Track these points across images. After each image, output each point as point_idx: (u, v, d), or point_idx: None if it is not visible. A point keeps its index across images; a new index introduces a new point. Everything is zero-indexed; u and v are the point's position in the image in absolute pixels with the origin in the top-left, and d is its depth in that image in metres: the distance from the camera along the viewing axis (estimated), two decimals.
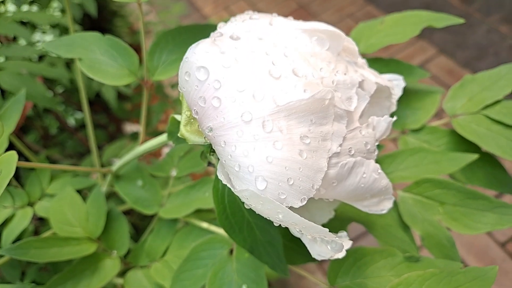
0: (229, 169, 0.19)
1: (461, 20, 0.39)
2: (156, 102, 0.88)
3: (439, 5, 1.49)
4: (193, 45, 0.19)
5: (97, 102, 1.02)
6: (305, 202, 0.18)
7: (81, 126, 1.03)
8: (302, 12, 1.70)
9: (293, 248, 0.30)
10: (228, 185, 0.19)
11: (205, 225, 0.35)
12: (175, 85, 0.86)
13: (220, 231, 0.35)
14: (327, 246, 0.20)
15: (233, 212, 0.27)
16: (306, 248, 0.32)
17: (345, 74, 0.21)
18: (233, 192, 0.27)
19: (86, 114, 0.38)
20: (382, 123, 0.22)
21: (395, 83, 0.25)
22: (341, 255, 0.21)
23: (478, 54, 1.29)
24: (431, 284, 0.25)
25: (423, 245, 0.35)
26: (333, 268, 0.29)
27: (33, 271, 0.54)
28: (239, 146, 0.18)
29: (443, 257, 0.35)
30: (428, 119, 0.41)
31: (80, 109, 0.99)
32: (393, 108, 0.25)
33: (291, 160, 0.18)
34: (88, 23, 0.99)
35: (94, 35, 0.31)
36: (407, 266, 0.29)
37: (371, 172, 0.21)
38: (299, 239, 0.32)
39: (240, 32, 0.20)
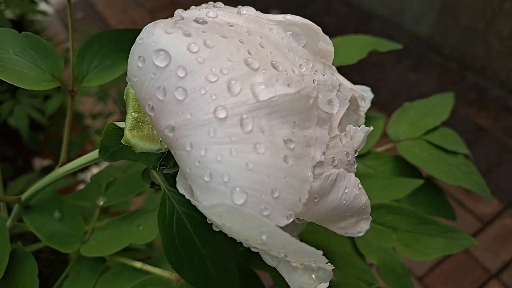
0: (195, 179, 0.15)
1: (399, 46, 0.40)
2: (76, 133, 0.79)
3: None
4: (150, 25, 0.15)
5: (2, 131, 0.89)
6: (292, 219, 0.15)
7: None
8: None
9: (251, 282, 0.26)
10: (192, 201, 0.15)
11: (138, 264, 0.30)
12: (96, 115, 0.78)
13: (157, 271, 0.29)
14: (311, 275, 0.17)
15: (183, 243, 0.22)
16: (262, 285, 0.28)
17: (323, 75, 0.18)
18: (183, 219, 0.22)
19: None
20: (359, 133, 0.20)
21: (364, 94, 0.23)
22: (325, 286, 0.18)
23: (392, 98, 1.40)
24: None
25: (378, 275, 0.33)
26: None
27: None
28: (211, 149, 0.14)
29: (399, 287, 0.33)
30: (373, 145, 0.40)
31: None
32: (361, 121, 0.24)
33: (275, 167, 0.15)
34: None
35: (7, 30, 0.26)
36: None
37: (352, 186, 0.18)
38: (255, 273, 0.28)
39: (206, 18, 0.17)
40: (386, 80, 1.49)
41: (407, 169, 0.40)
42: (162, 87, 0.14)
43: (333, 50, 0.20)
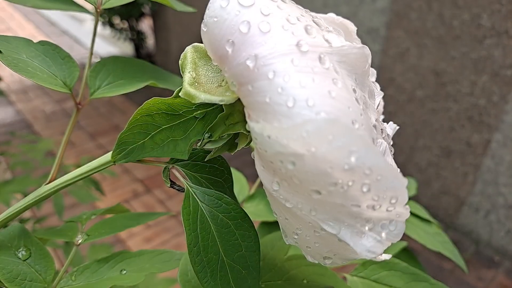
0: (275, 108, 0.14)
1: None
2: None
3: None
4: None
5: None
6: None
7: None
8: None
9: None
10: (269, 133, 0.14)
11: None
12: None
13: None
14: (379, 236, 0.15)
15: (205, 246, 0.19)
16: None
17: None
18: (207, 218, 0.20)
19: None
20: (388, 129, 0.21)
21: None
22: (388, 256, 0.16)
23: None
24: None
25: None
26: None
27: None
28: (294, 76, 0.14)
29: None
30: None
31: None
32: None
33: (352, 102, 0.15)
34: None
35: (22, 38, 0.25)
36: None
37: (395, 168, 0.19)
38: None
39: None
40: None
41: None
42: (246, 21, 0.15)
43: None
